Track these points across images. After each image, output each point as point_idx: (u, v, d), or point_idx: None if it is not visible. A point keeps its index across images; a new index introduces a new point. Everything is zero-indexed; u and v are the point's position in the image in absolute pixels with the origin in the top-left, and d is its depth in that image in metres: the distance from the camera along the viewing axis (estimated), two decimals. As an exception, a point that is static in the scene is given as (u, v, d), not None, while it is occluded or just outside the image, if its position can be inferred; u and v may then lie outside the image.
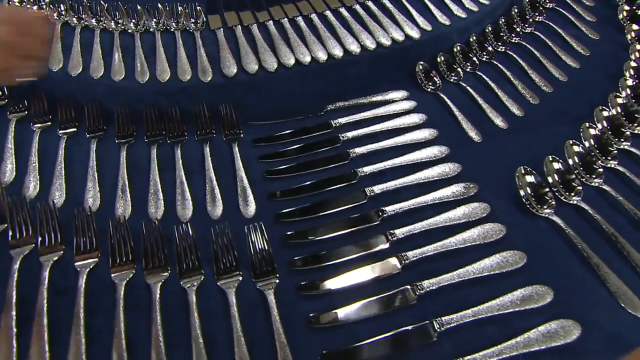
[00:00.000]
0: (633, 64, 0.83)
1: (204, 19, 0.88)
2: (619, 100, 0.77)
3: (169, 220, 0.64)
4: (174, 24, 0.87)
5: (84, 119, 0.77)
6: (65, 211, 0.64)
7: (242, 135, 0.76)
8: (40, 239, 0.60)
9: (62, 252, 0.60)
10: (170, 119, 0.76)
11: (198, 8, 0.89)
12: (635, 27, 0.91)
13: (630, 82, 0.80)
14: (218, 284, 0.57)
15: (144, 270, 0.58)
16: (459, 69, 0.86)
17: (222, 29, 0.86)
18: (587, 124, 0.73)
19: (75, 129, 0.76)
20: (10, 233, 0.60)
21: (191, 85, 0.77)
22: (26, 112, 0.78)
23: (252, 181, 0.69)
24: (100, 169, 0.71)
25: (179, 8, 0.89)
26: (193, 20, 0.87)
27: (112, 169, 0.70)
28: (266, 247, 0.60)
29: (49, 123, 0.77)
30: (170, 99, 0.78)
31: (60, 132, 0.75)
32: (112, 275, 0.57)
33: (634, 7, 0.96)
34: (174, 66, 0.79)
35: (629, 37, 0.90)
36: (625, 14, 0.95)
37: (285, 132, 0.76)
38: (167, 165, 0.71)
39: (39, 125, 0.76)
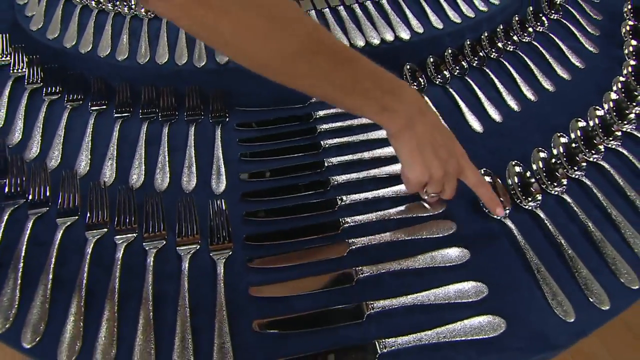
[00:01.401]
0: (622, 78, 0.82)
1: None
2: (598, 113, 0.77)
3: (146, 190, 0.70)
4: (181, 12, 0.93)
5: (90, 93, 0.84)
6: (57, 173, 0.71)
7: (227, 119, 0.81)
8: (30, 195, 0.68)
9: (47, 208, 0.67)
10: (164, 99, 0.83)
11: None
12: (633, 42, 0.89)
13: (613, 96, 0.79)
14: (177, 249, 0.62)
15: (115, 230, 0.64)
16: (446, 72, 0.88)
17: (224, 20, 0.91)
18: (559, 133, 0.74)
19: (80, 102, 0.84)
20: (7, 188, 0.68)
21: (185, 69, 0.83)
22: (41, 83, 0.87)
23: (228, 162, 0.74)
24: (95, 140, 0.78)
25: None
26: (200, 10, 0.93)
27: (106, 140, 0.77)
28: (224, 219, 0.64)
29: (59, 95, 0.85)
30: (166, 81, 0.84)
31: (67, 103, 0.83)
32: (86, 232, 0.64)
33: (639, 23, 0.94)
34: (173, 51, 0.86)
35: (626, 51, 0.89)
36: (628, 28, 0.94)
37: (267, 119, 0.81)
38: (155, 140, 0.77)
39: (50, 96, 0.84)
